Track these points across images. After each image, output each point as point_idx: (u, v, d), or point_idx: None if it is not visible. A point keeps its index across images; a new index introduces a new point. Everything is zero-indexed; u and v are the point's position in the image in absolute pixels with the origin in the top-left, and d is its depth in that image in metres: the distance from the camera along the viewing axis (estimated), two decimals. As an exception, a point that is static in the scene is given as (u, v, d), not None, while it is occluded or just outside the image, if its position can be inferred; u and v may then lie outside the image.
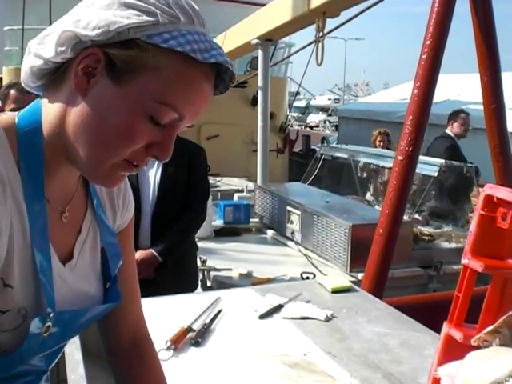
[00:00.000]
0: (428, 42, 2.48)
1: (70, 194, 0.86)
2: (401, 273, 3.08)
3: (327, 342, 1.58)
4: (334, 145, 8.98)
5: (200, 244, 3.12)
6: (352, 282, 2.18)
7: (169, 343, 1.48)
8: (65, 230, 0.84)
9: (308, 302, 1.86)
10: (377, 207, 4.18)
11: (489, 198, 0.91)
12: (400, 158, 2.54)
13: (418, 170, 2.91)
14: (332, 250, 3.11)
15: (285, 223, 3.63)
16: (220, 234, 3.79)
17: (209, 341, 1.57)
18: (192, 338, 1.55)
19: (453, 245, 3.48)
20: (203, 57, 0.71)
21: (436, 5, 2.48)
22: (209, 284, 3.05)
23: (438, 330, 1.04)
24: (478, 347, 0.87)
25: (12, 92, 2.51)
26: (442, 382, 0.92)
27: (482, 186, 0.98)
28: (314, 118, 38.42)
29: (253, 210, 4.07)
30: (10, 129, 0.76)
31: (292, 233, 3.53)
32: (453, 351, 0.93)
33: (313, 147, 10.73)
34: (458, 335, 0.92)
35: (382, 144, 6.20)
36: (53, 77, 0.77)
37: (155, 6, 0.71)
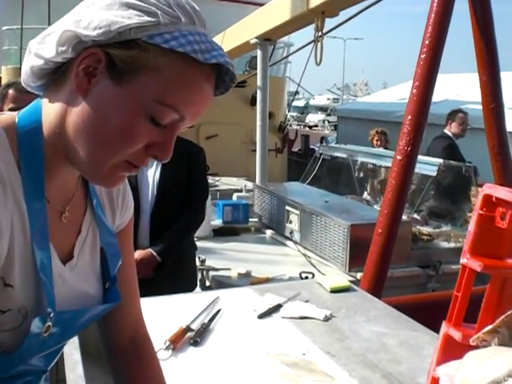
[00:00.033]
0: (427, 42, 2.49)
1: (70, 194, 0.86)
2: (400, 272, 3.08)
3: (326, 341, 1.58)
4: (333, 144, 8.98)
5: (199, 244, 3.12)
6: (351, 281, 2.18)
7: (167, 343, 1.48)
8: (65, 229, 0.84)
9: (307, 301, 1.86)
10: (374, 206, 4.19)
11: (488, 198, 0.91)
12: (399, 157, 2.54)
13: (416, 170, 2.91)
14: (331, 249, 3.11)
15: (284, 223, 3.63)
16: (219, 233, 3.79)
17: (207, 340, 1.57)
18: (191, 337, 1.55)
19: (451, 244, 3.49)
20: (204, 57, 0.71)
21: (435, 4, 2.48)
22: (208, 284, 3.05)
23: (436, 329, 1.04)
24: (476, 347, 0.88)
25: (10, 92, 2.51)
26: (440, 382, 0.93)
27: (481, 186, 0.98)
28: (312, 118, 38.47)
29: (252, 209, 4.07)
30: (10, 128, 0.76)
31: (291, 232, 3.54)
32: (451, 351, 0.93)
33: (312, 147, 10.74)
34: (456, 335, 0.92)
35: (379, 143, 6.20)
36: (53, 77, 0.77)
37: (156, 7, 0.71)
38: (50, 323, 0.78)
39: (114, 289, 0.93)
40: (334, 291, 1.98)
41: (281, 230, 3.71)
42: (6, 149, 0.74)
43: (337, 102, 40.10)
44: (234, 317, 1.74)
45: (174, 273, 2.63)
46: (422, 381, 1.25)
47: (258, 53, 5.15)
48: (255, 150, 5.36)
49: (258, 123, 5.16)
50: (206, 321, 1.66)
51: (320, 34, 4.08)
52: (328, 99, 46.16)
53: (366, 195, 4.90)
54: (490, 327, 0.86)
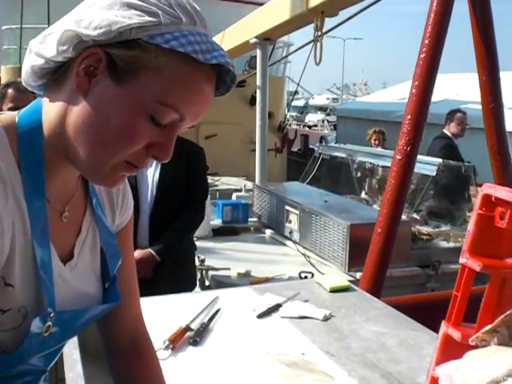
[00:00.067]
0: (426, 42, 2.49)
1: (70, 193, 0.86)
2: (399, 272, 3.09)
3: (325, 341, 1.58)
4: (333, 144, 8.98)
5: (198, 243, 3.12)
6: (350, 281, 2.18)
7: (167, 342, 1.48)
8: (65, 229, 0.84)
9: (306, 301, 1.86)
10: (373, 206, 4.19)
11: (487, 198, 0.91)
12: (398, 157, 2.54)
13: (416, 170, 2.91)
14: (330, 249, 3.11)
15: (283, 222, 3.63)
16: (218, 233, 3.79)
17: (207, 340, 1.57)
18: (190, 337, 1.55)
19: (451, 244, 3.49)
20: (205, 58, 0.71)
21: (434, 4, 2.48)
22: (207, 283, 3.05)
23: (436, 329, 1.04)
24: (476, 346, 0.88)
25: (10, 91, 2.51)
26: (440, 382, 0.93)
27: (480, 186, 0.98)
28: (312, 118, 38.48)
29: (251, 209, 4.07)
30: (10, 128, 0.76)
31: (290, 232, 3.54)
32: (451, 350, 0.93)
33: (311, 146, 10.73)
34: (456, 334, 0.93)
35: (377, 142, 6.21)
36: (54, 76, 0.77)
37: (157, 7, 0.71)
38: (50, 323, 0.78)
39: (113, 289, 0.93)
40: (334, 291, 1.98)
41: (280, 230, 3.71)
42: (6, 148, 0.74)
43: (336, 102, 40.14)
44: (233, 316, 1.74)
45: (174, 272, 2.63)
46: (422, 380, 1.25)
47: (258, 52, 5.15)
48: (255, 150, 5.36)
49: (258, 123, 5.16)
50: (206, 320, 1.66)
51: (319, 33, 4.08)
52: (327, 99, 46.21)
53: (363, 194, 4.90)
54: (489, 327, 0.86)
